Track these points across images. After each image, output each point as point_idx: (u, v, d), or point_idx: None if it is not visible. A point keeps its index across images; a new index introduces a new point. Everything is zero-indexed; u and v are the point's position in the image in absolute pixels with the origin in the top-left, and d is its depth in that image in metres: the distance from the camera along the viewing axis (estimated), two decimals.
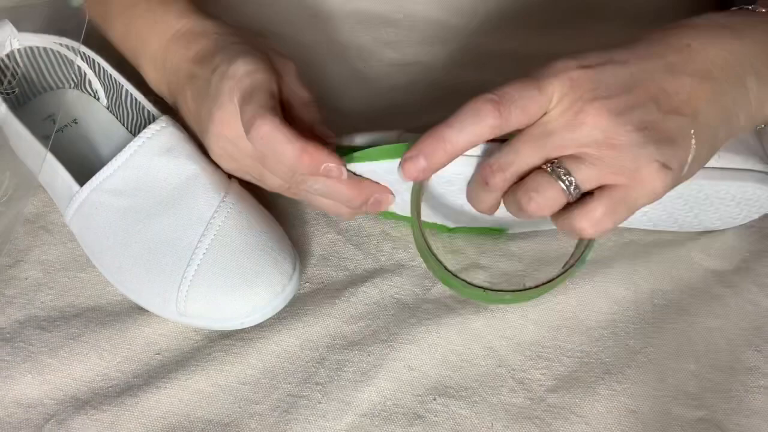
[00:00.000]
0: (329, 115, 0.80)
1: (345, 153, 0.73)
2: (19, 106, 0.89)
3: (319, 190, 0.74)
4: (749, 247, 0.84)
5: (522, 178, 0.67)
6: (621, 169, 0.64)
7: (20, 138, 0.82)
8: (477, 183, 0.69)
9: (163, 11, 0.82)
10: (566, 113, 0.64)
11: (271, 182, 0.76)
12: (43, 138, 0.81)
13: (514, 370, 0.75)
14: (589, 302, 0.79)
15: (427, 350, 0.76)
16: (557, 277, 0.69)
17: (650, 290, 0.80)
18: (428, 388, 0.74)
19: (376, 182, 0.75)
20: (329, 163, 0.70)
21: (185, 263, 0.75)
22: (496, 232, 0.84)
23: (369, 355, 0.76)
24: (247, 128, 0.70)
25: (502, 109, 0.64)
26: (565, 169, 0.65)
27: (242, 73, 0.72)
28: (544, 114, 0.65)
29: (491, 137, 0.65)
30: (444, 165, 0.67)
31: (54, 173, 0.80)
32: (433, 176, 0.71)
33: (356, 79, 0.99)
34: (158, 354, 0.76)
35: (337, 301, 0.80)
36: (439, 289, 0.80)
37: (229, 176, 0.81)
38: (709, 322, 0.78)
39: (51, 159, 0.80)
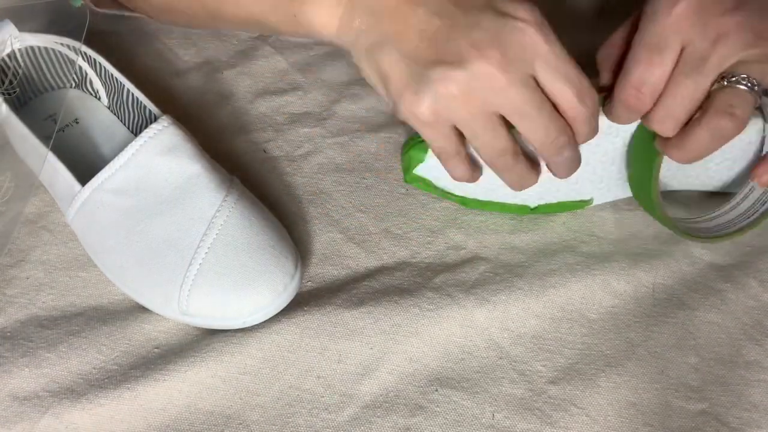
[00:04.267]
0: None
1: None
2: (20, 106, 0.89)
3: (569, 155, 0.72)
4: (750, 242, 0.84)
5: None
6: None
7: (21, 138, 0.82)
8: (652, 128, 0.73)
9: None
10: (706, 38, 0.66)
11: (493, 141, 0.70)
12: (44, 138, 0.81)
13: (515, 362, 0.75)
14: (591, 295, 0.79)
15: (428, 342, 0.76)
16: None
17: (651, 284, 0.80)
18: (430, 379, 0.74)
19: None
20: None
21: (187, 262, 0.75)
22: (580, 205, 0.85)
23: (371, 348, 0.76)
24: (580, 99, 0.69)
25: (646, 99, 0.70)
26: (737, 75, 0.68)
27: (536, 20, 0.68)
28: (683, 49, 0.68)
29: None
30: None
31: (55, 173, 0.80)
32: None
33: None
34: (157, 348, 0.76)
35: (338, 292, 0.80)
36: (442, 278, 0.81)
37: (231, 176, 0.81)
38: (710, 316, 0.79)
39: (52, 159, 0.80)
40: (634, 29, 0.71)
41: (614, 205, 0.86)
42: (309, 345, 0.76)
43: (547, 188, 0.82)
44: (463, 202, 0.84)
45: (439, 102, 0.68)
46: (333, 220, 0.86)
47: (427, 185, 0.84)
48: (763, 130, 0.80)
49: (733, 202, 0.83)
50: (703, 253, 0.83)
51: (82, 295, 0.80)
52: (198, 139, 0.82)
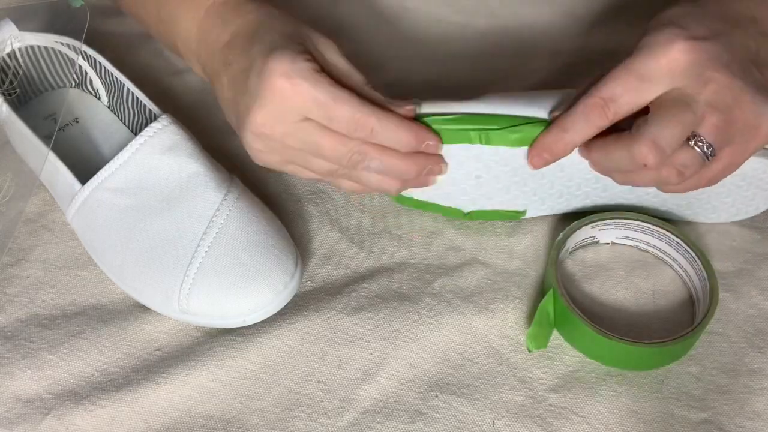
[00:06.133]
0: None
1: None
2: (21, 105, 0.89)
3: (377, 167, 0.73)
4: (750, 248, 0.84)
5: None
6: (746, 128, 0.70)
7: (22, 137, 0.82)
8: (630, 164, 0.72)
9: None
10: (695, 84, 0.69)
11: (319, 168, 0.74)
12: (45, 137, 0.81)
13: (515, 369, 0.75)
14: (590, 302, 0.79)
15: (428, 348, 0.76)
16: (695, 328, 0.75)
17: (651, 290, 0.80)
18: (430, 385, 0.74)
19: (430, 154, 0.77)
20: (429, 140, 0.75)
21: (187, 261, 0.75)
22: (514, 215, 0.84)
23: (371, 353, 0.76)
24: (352, 128, 0.70)
25: (608, 112, 0.70)
26: (697, 136, 0.70)
27: (282, 72, 0.69)
28: (670, 90, 0.70)
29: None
30: (562, 157, 0.74)
31: (55, 172, 0.80)
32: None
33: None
34: (158, 350, 0.76)
35: (338, 296, 0.80)
36: (440, 283, 0.81)
37: (231, 174, 0.81)
38: (710, 325, 0.78)
39: (52, 158, 0.80)
40: None
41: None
42: (309, 350, 0.76)
43: (479, 194, 0.81)
44: (399, 199, 0.84)
45: (261, 157, 0.76)
46: (332, 220, 0.86)
47: None
48: None
49: None
50: None
51: (83, 294, 0.80)
52: (198, 138, 0.82)
